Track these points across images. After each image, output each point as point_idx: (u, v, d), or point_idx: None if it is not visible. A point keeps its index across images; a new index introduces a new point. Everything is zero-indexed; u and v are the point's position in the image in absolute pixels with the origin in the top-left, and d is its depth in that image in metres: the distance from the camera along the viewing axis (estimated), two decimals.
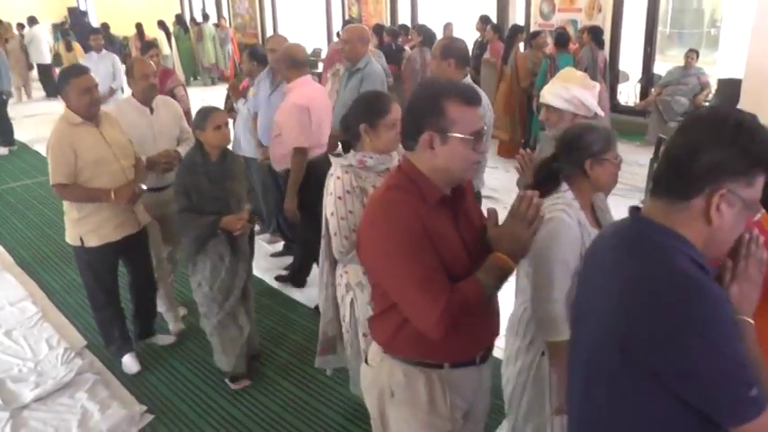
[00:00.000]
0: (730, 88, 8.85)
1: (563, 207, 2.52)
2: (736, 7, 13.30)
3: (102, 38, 9.51)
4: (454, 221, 2.18)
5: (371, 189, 2.94)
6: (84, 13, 19.88)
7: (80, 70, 4.04)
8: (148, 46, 7.11)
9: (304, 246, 5.41)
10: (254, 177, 5.94)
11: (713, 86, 9.84)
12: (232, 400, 4.11)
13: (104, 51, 9.13)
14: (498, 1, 12.78)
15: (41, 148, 10.93)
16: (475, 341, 2.28)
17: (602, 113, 3.26)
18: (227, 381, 4.25)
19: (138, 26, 15.75)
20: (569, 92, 3.18)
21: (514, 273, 2.23)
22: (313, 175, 4.69)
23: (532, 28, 11.59)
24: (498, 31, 10.35)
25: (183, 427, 3.92)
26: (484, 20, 11.22)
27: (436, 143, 2.08)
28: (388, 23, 13.77)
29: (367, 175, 3.03)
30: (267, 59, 5.80)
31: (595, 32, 9.47)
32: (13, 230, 7.27)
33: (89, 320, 5.11)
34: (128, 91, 5.72)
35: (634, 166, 8.53)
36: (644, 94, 11.09)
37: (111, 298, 4.42)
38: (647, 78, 11.11)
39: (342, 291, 3.24)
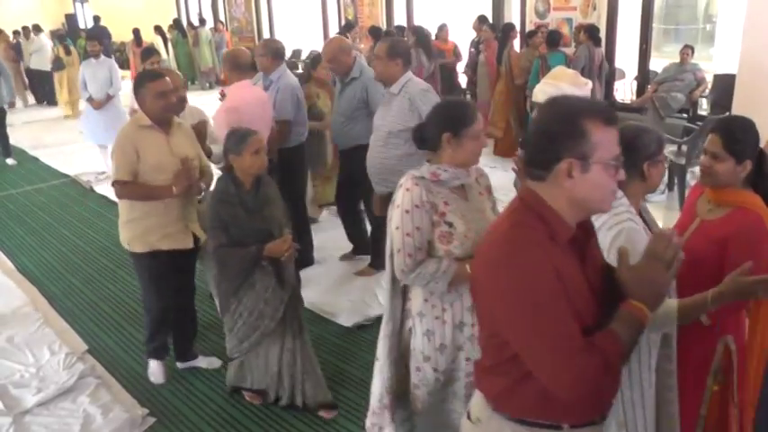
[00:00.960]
0: (726, 84, 8.87)
1: (628, 216, 2.38)
2: (730, 2, 13.31)
3: (99, 43, 9.52)
4: (581, 262, 1.89)
5: (442, 205, 2.75)
6: (97, 19, 19.89)
7: (156, 74, 4.00)
8: (149, 53, 7.12)
9: None
10: None
11: (709, 82, 9.87)
12: (233, 402, 4.12)
13: (102, 57, 9.16)
14: (493, 0, 12.80)
15: (40, 155, 11.00)
16: (600, 398, 1.98)
17: None
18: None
19: (136, 32, 15.78)
20: (558, 90, 3.20)
21: None
22: None
23: (528, 27, 11.60)
24: (495, 31, 10.38)
25: (185, 429, 3.94)
26: (481, 20, 11.24)
27: (576, 171, 1.77)
28: (384, 25, 13.79)
29: (439, 190, 2.78)
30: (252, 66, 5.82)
31: (592, 31, 9.51)
32: (14, 237, 7.30)
33: (90, 325, 5.15)
34: (125, 96, 5.76)
35: None
36: (640, 90, 11.09)
37: (162, 303, 4.22)
38: (643, 75, 11.12)
39: (404, 317, 2.95)
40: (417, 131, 2.93)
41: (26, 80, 16.47)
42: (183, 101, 4.57)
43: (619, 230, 2.32)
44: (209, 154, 4.52)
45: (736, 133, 2.70)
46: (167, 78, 3.95)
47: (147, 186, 3.90)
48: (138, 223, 3.98)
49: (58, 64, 14.43)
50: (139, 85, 3.91)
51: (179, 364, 4.50)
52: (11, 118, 11.08)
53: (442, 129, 2.79)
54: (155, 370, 4.41)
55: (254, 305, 3.66)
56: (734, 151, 2.66)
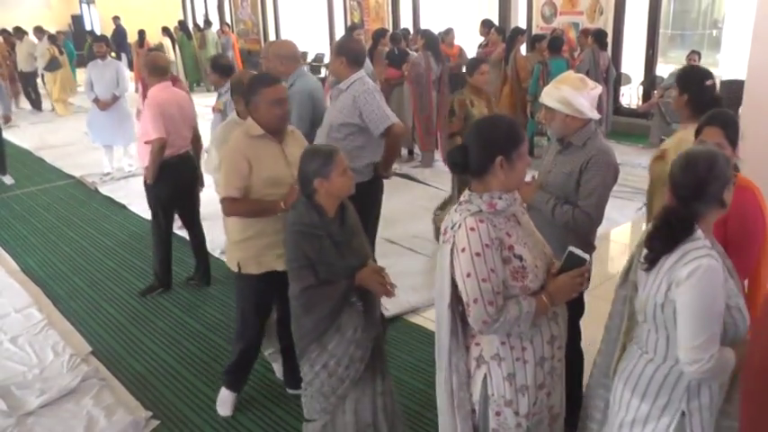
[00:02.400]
0: (733, 89, 8.85)
1: (707, 252, 2.23)
2: (737, 8, 13.29)
3: (106, 44, 9.52)
4: None
5: (507, 238, 2.47)
6: (117, 19, 20.00)
7: (271, 80, 3.64)
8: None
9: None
10: None
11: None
12: (237, 406, 4.10)
13: (108, 58, 9.16)
14: (500, 4, 12.81)
15: (45, 155, 11.01)
16: None
17: (596, 116, 3.27)
18: None
19: (141, 33, 15.80)
20: (559, 92, 3.20)
21: (645, 332, 2.37)
22: (168, 174, 5.29)
23: (534, 31, 11.63)
24: (502, 34, 10.38)
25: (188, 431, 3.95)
26: (486, 24, 11.26)
27: None
28: (390, 28, 13.80)
29: (498, 221, 2.49)
30: (232, 70, 5.88)
31: (599, 35, 9.50)
32: (18, 237, 7.30)
33: (94, 327, 5.14)
34: (130, 97, 5.76)
35: (638, 169, 8.55)
36: (646, 96, 11.10)
37: (258, 330, 3.98)
38: (650, 80, 11.13)
39: (471, 365, 2.64)
40: (458, 155, 2.53)
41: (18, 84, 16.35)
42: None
43: (697, 266, 2.18)
44: None
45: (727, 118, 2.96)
46: (283, 84, 3.69)
47: (258, 202, 3.60)
48: (253, 243, 3.69)
49: (54, 64, 14.48)
50: (253, 91, 3.57)
51: (290, 390, 4.18)
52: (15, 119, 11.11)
53: (493, 152, 2.46)
54: (226, 400, 4.08)
55: (342, 352, 3.09)
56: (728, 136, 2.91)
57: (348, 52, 4.57)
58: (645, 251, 2.32)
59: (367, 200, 4.45)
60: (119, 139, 9.36)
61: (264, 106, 3.53)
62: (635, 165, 8.79)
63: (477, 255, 2.40)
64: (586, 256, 2.55)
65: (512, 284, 2.46)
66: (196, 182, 5.77)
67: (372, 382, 3.23)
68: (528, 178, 3.40)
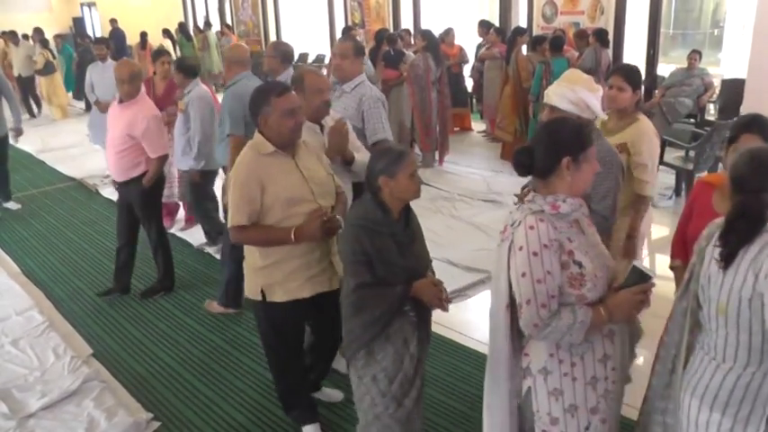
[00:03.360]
0: (734, 89, 8.84)
1: None
2: (738, 7, 13.28)
3: (107, 46, 9.53)
4: None
5: (567, 243, 2.38)
6: (114, 21, 19.96)
7: (283, 87, 3.32)
8: (159, 53, 7.12)
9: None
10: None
11: (717, 87, 9.83)
12: (237, 406, 4.11)
13: (109, 60, 9.16)
14: (501, 4, 12.81)
15: (46, 158, 11.01)
16: None
17: (604, 116, 3.26)
18: None
19: (143, 35, 15.81)
20: (576, 94, 3.14)
21: (720, 340, 2.24)
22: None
23: (535, 31, 11.62)
24: (501, 35, 10.37)
25: None
26: (483, 24, 11.28)
27: None
28: (391, 28, 13.80)
29: (560, 224, 2.39)
30: (197, 71, 6.01)
31: (600, 34, 9.49)
32: (19, 240, 7.29)
33: (96, 329, 5.14)
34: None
35: None
36: (647, 95, 11.07)
37: (297, 361, 3.71)
38: (651, 80, 11.09)
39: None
40: (523, 156, 2.45)
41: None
42: (328, 106, 3.89)
43: None
44: (350, 160, 3.87)
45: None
46: (293, 92, 3.36)
47: (270, 231, 3.28)
48: (277, 268, 3.35)
49: (48, 68, 14.47)
50: (262, 101, 3.23)
51: None
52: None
53: (560, 152, 2.38)
54: None
55: (392, 364, 2.95)
56: None
57: (282, 53, 4.77)
58: (718, 250, 2.20)
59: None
60: None
61: (277, 117, 3.20)
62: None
63: (535, 254, 2.32)
64: (651, 272, 2.42)
65: (568, 291, 2.36)
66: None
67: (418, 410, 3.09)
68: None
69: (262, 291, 3.41)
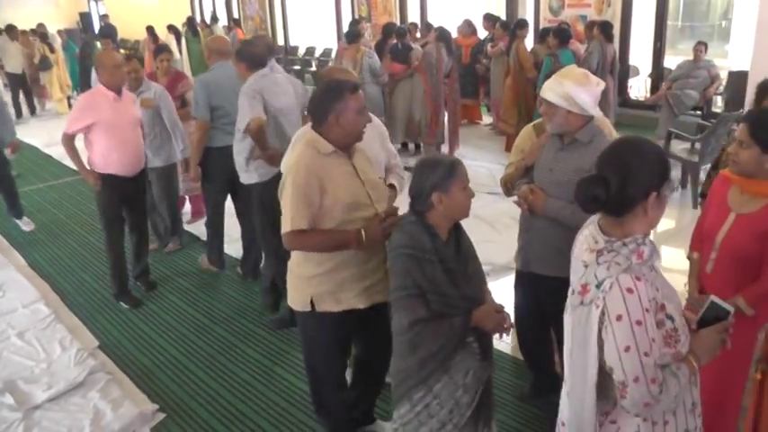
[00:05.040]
0: (741, 81, 8.79)
1: None
2: None
3: (112, 40, 9.55)
4: None
5: (659, 296, 2.03)
6: (105, 17, 20.00)
7: (355, 84, 3.09)
8: (160, 49, 7.14)
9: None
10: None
11: (724, 79, 9.80)
12: (242, 398, 4.13)
13: None
14: None
15: (53, 152, 11.03)
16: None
17: (598, 114, 3.21)
18: None
19: (150, 29, 15.81)
20: (563, 88, 3.11)
21: None
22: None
23: (542, 24, 11.60)
24: (507, 28, 10.35)
25: (195, 424, 3.94)
26: (489, 18, 11.26)
27: None
28: (398, 22, 13.78)
29: (648, 275, 2.03)
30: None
31: (605, 27, 9.45)
32: (26, 233, 7.31)
33: (102, 321, 5.16)
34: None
35: None
36: (654, 88, 11.05)
37: (341, 379, 3.49)
38: (658, 72, 11.07)
39: None
40: (599, 188, 2.03)
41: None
42: None
43: None
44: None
45: (764, 122, 2.73)
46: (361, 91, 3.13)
47: (331, 235, 3.02)
48: (329, 277, 3.12)
49: (45, 63, 14.44)
50: (335, 97, 2.99)
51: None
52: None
53: (646, 186, 2.02)
54: None
55: (448, 394, 2.70)
56: (759, 139, 2.69)
57: (248, 57, 4.73)
58: None
59: None
60: None
61: (352, 115, 2.98)
62: None
63: (638, 324, 1.96)
64: (730, 307, 2.20)
65: (664, 351, 2.04)
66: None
67: (474, 429, 2.80)
68: (525, 188, 3.34)
69: (312, 301, 3.17)
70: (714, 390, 2.92)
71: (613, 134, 3.66)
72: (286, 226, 2.98)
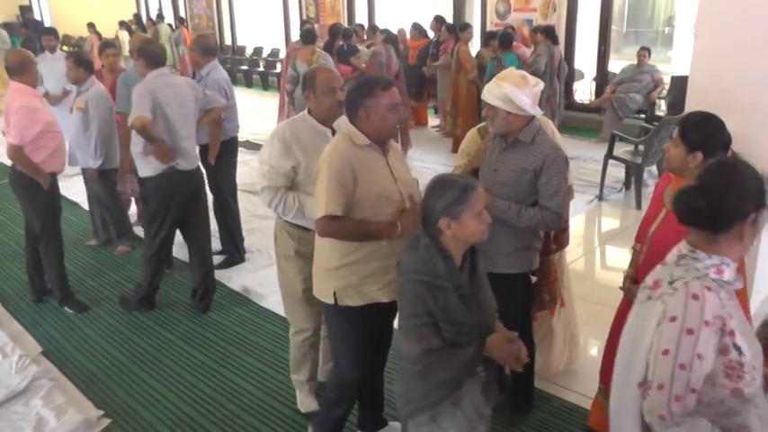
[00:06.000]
0: (683, 85, 8.95)
1: None
2: (689, 6, 13.56)
3: (55, 36, 9.34)
4: None
5: (729, 321, 1.92)
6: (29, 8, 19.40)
7: (388, 81, 3.09)
8: (106, 45, 7.03)
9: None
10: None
11: (667, 83, 10.04)
12: (189, 401, 4.09)
13: (58, 51, 8.99)
14: (455, 1, 12.90)
15: None
16: None
17: (538, 113, 3.29)
18: None
19: (91, 25, 15.51)
20: (501, 90, 3.17)
21: None
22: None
23: (488, 27, 11.73)
24: (453, 31, 10.46)
25: (140, 429, 3.89)
26: (438, 20, 11.36)
27: None
28: (345, 23, 13.80)
29: (724, 297, 1.97)
30: (92, 67, 6.06)
31: (548, 31, 9.63)
32: None
33: (45, 327, 5.06)
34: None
35: (589, 162, 8.71)
36: (599, 91, 11.27)
37: (364, 369, 3.35)
38: (602, 76, 11.30)
39: None
40: (699, 200, 1.97)
41: None
42: (341, 106, 3.45)
43: None
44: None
45: (690, 124, 2.87)
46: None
47: (365, 224, 3.01)
48: (353, 269, 3.09)
49: None
50: (366, 93, 2.99)
51: None
52: None
53: (748, 207, 1.95)
54: None
55: (455, 427, 2.59)
56: (686, 140, 2.82)
57: (147, 54, 4.91)
58: None
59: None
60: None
61: (382, 111, 2.97)
62: (587, 159, 8.93)
63: (689, 332, 1.87)
64: None
65: (722, 382, 1.91)
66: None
67: None
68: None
69: (335, 294, 3.14)
70: None
71: (556, 134, 3.75)
72: (320, 210, 2.96)
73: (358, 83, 3.12)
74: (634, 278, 3.13)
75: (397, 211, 3.03)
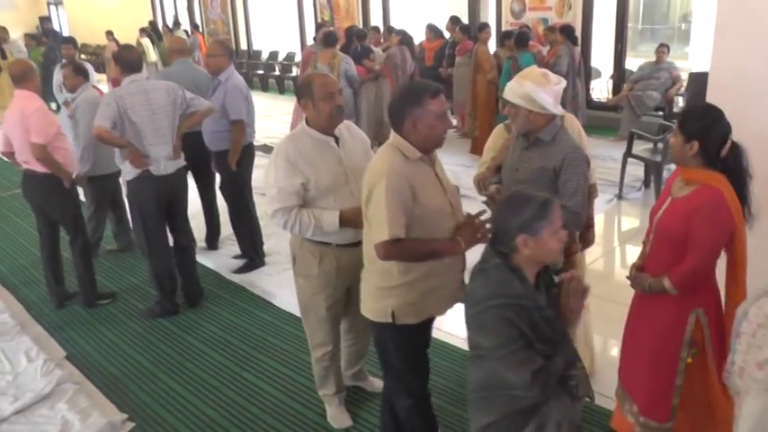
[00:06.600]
0: (701, 82, 8.92)
1: None
2: (706, 2, 13.47)
3: (74, 46, 9.43)
4: None
5: None
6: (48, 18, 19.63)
7: (436, 88, 2.86)
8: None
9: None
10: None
11: (684, 80, 9.98)
12: (212, 405, 4.11)
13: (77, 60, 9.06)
14: (469, 1, 12.89)
15: None
16: None
17: (560, 112, 3.28)
18: None
19: (109, 33, 15.63)
20: (522, 88, 3.17)
21: None
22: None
23: (503, 27, 11.71)
24: (467, 32, 10.44)
25: None
26: (454, 20, 11.33)
27: None
28: (360, 26, 13.83)
29: None
30: (88, 73, 6.22)
31: (567, 30, 9.59)
32: None
33: (68, 332, 5.11)
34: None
35: (608, 161, 8.65)
36: (616, 89, 11.22)
37: (424, 382, 3.30)
38: (619, 74, 11.24)
39: None
40: None
41: None
42: (341, 113, 3.42)
43: None
44: None
45: (689, 115, 2.94)
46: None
47: (430, 243, 2.87)
48: (413, 288, 2.94)
49: None
50: (414, 101, 2.81)
51: None
52: None
53: None
54: None
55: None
56: (683, 130, 2.88)
57: (123, 62, 4.98)
58: None
59: None
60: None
61: (431, 120, 2.80)
62: (605, 157, 8.88)
63: None
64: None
65: None
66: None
67: None
68: (492, 188, 3.43)
69: (393, 313, 2.97)
70: (650, 369, 3.12)
71: (582, 134, 3.74)
72: (382, 235, 2.76)
73: (403, 91, 2.96)
74: (641, 267, 3.15)
75: (452, 224, 2.92)
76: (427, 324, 3.11)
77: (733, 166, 2.86)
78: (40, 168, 5.04)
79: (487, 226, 2.78)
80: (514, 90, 3.22)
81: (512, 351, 2.27)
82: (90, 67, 9.19)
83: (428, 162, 2.93)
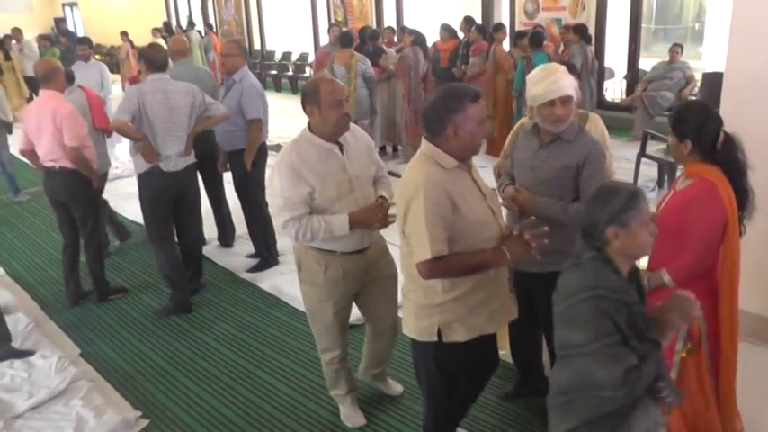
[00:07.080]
0: (715, 82, 8.91)
1: None
2: (719, 1, 13.41)
3: (89, 46, 9.51)
4: None
5: None
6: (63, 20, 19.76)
7: (476, 92, 2.73)
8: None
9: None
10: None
11: (698, 80, 9.93)
12: (226, 403, 4.13)
13: (92, 60, 9.15)
14: (483, 1, 12.88)
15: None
16: None
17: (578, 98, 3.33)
18: None
19: (124, 33, 15.71)
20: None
21: None
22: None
23: (517, 27, 11.70)
24: (482, 32, 10.42)
25: (178, 430, 3.93)
26: (468, 21, 11.31)
27: None
28: (374, 26, 13.84)
29: None
30: (73, 76, 6.37)
31: (581, 30, 9.56)
32: (4, 242, 7.27)
33: (83, 330, 5.14)
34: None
35: (621, 161, 8.60)
36: (629, 89, 11.18)
37: (466, 406, 3.28)
38: (633, 74, 11.20)
39: None
40: None
41: None
42: (347, 120, 3.35)
43: None
44: None
45: (679, 116, 3.04)
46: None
47: (476, 257, 2.74)
48: (460, 302, 2.82)
49: None
50: (455, 107, 2.67)
51: None
52: None
53: None
54: None
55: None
56: (675, 130, 3.00)
57: (148, 59, 5.07)
58: None
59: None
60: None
61: (472, 127, 2.68)
62: (619, 158, 8.82)
63: None
64: None
65: None
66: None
67: None
68: (510, 189, 3.40)
69: (439, 331, 2.84)
70: None
71: (605, 133, 3.76)
72: (425, 253, 2.63)
73: (443, 96, 2.75)
74: None
75: (495, 232, 2.81)
76: (478, 344, 2.91)
77: (726, 159, 2.94)
78: (68, 164, 5.12)
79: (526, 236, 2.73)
80: (564, 84, 3.14)
81: (605, 345, 2.18)
82: (105, 68, 9.31)
83: (465, 169, 2.81)
